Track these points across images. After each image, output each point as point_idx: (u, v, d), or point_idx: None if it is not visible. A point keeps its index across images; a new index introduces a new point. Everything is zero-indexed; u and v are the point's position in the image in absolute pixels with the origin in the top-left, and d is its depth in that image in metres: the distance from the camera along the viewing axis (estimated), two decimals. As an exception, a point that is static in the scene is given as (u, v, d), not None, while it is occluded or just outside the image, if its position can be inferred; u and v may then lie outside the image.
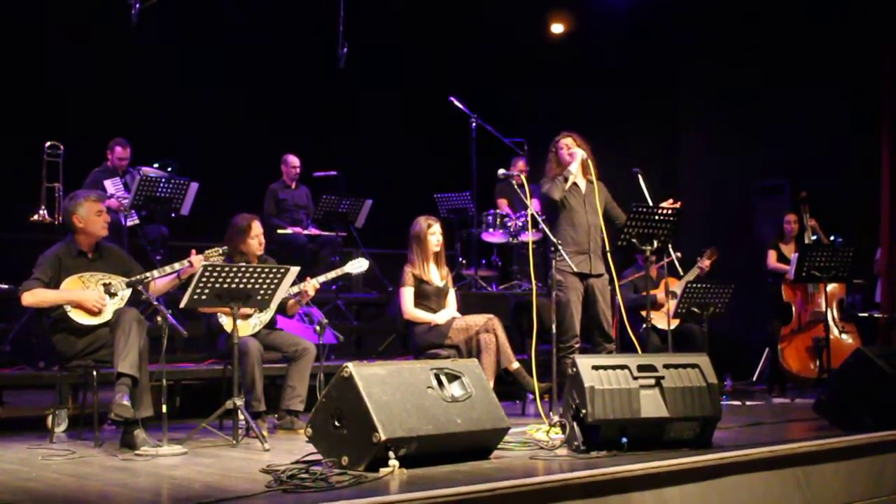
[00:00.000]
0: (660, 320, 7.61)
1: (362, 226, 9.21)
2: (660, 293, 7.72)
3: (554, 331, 5.90)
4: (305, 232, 9.19)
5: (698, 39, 10.91)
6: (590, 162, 6.61)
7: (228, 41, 10.63)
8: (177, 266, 5.75)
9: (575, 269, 6.45)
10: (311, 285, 6.25)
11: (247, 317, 6.03)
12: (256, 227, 6.31)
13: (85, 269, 5.54)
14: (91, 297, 5.42)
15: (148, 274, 5.66)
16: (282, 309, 6.26)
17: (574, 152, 6.59)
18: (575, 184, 6.63)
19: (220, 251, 5.94)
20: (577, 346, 6.45)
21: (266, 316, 6.13)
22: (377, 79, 11.52)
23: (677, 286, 7.79)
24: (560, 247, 6.07)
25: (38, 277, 5.41)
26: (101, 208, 5.68)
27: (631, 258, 8.24)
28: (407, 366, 4.76)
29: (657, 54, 11.23)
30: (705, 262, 8.10)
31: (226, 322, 5.97)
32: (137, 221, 8.20)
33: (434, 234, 6.75)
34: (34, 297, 5.38)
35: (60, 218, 7.57)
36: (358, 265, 6.68)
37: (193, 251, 5.84)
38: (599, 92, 11.54)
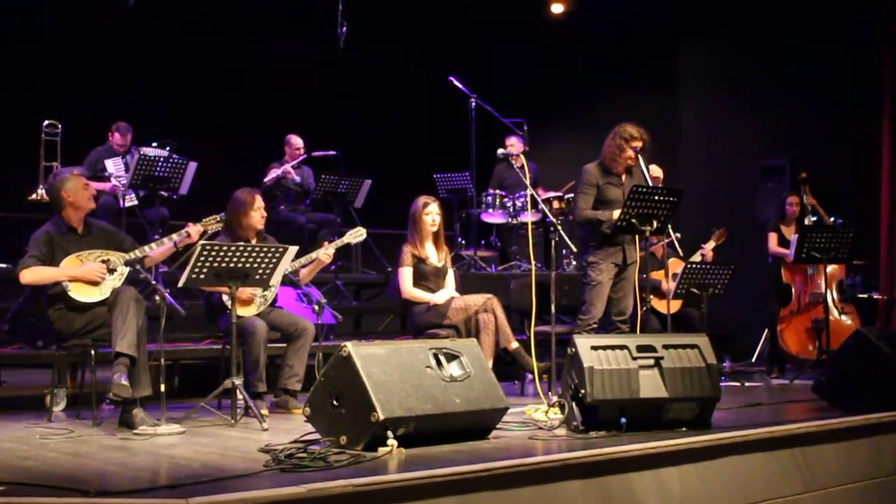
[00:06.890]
0: (660, 304, 7.57)
1: (361, 206, 9.19)
2: (668, 282, 7.50)
3: (553, 311, 5.89)
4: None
5: (698, 19, 10.87)
6: (640, 156, 6.53)
7: (228, 20, 10.59)
8: (174, 237, 5.75)
9: (604, 259, 6.44)
10: (327, 253, 6.29)
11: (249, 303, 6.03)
12: (258, 201, 6.26)
13: (77, 246, 5.52)
14: (90, 268, 5.41)
15: (146, 248, 5.65)
16: (292, 281, 6.23)
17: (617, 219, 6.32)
18: (618, 175, 6.56)
19: (218, 218, 5.92)
20: (595, 327, 6.47)
21: (269, 294, 6.10)
22: (377, 59, 11.48)
23: (680, 269, 7.74)
24: (559, 228, 6.09)
25: (33, 255, 5.40)
26: (87, 182, 5.67)
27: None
28: (405, 345, 4.76)
29: (657, 34, 11.19)
30: (708, 251, 8.05)
31: (229, 300, 5.94)
32: (136, 203, 8.17)
33: (429, 214, 6.72)
34: (35, 274, 5.37)
35: (46, 196, 7.52)
36: (357, 234, 6.68)
37: (190, 223, 5.82)
38: (599, 72, 11.51)
